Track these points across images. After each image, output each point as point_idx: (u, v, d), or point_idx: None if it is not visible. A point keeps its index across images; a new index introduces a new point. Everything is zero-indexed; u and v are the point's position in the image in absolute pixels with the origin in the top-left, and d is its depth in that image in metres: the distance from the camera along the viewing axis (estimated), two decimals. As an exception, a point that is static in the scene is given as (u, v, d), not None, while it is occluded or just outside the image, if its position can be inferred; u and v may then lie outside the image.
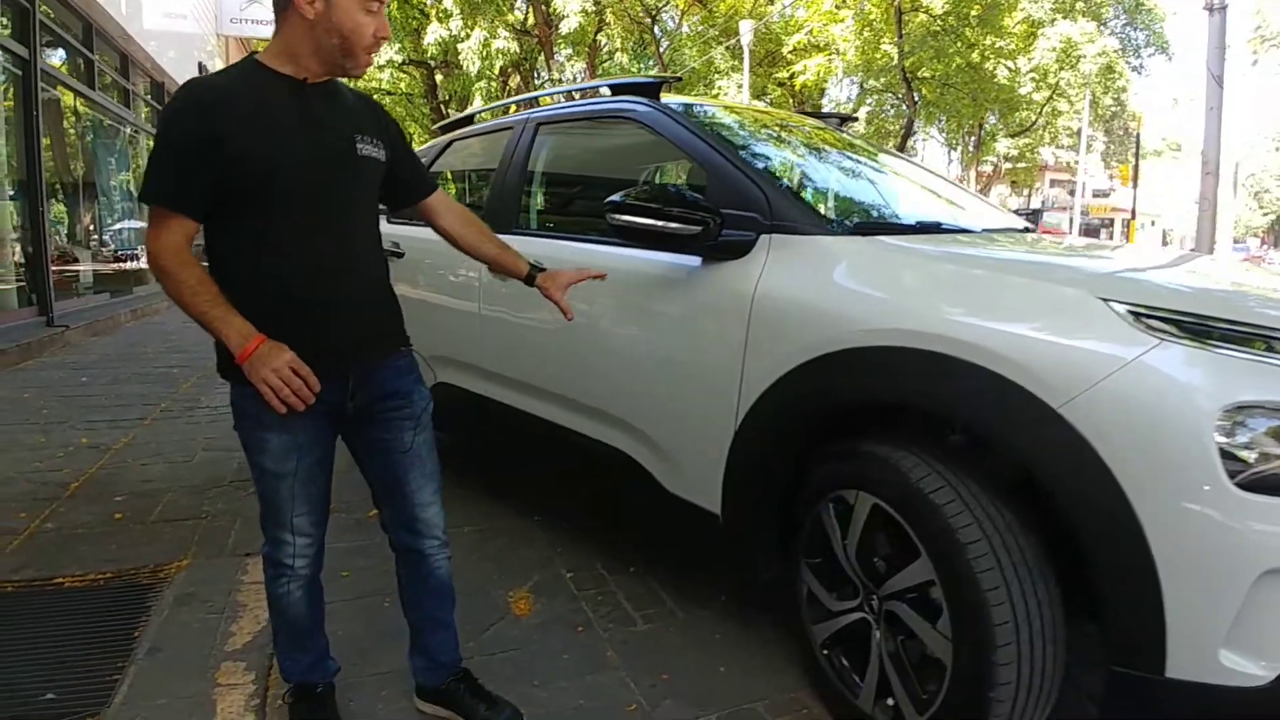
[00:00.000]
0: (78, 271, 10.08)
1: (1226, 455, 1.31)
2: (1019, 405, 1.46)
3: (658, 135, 2.36)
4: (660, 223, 1.93)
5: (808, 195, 2.23)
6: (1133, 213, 30.58)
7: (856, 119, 3.60)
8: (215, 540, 2.87)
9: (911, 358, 1.59)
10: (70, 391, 5.60)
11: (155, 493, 3.39)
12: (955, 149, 33.15)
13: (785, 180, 2.22)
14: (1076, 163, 34.28)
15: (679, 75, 3.55)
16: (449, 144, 3.40)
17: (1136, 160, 29.00)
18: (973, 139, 28.09)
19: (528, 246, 2.47)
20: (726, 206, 1.98)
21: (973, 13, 18.13)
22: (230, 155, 1.44)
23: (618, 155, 2.77)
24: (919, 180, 2.86)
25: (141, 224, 12.64)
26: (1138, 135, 26.42)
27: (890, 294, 1.70)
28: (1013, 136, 25.26)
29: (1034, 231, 2.52)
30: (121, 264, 11.83)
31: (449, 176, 3.60)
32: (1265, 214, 65.90)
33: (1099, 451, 1.38)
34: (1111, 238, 50.01)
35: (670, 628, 2.31)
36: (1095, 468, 1.39)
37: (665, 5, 24.18)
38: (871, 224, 2.08)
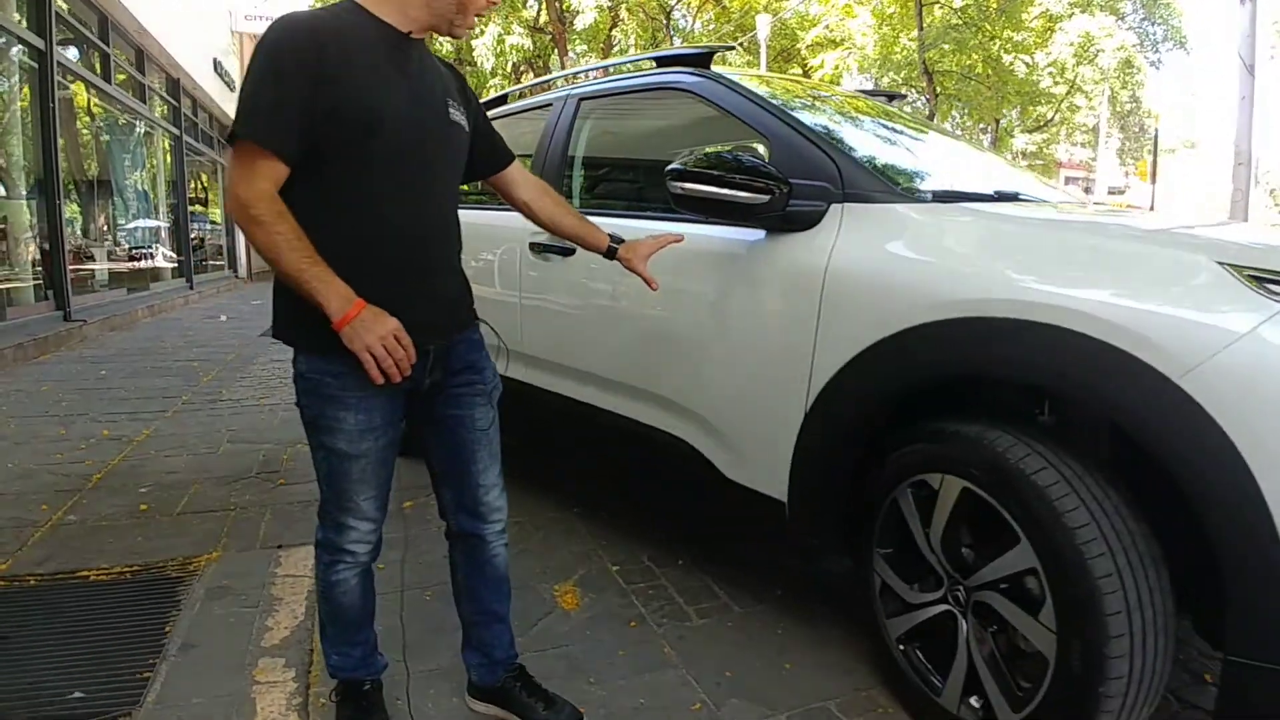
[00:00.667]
0: (94, 268, 10.03)
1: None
2: (1135, 378, 1.34)
3: (712, 106, 2.24)
4: (724, 190, 1.80)
5: (880, 164, 2.09)
6: (1151, 206, 30.29)
7: (905, 96, 3.47)
8: (246, 533, 2.76)
9: (1016, 329, 1.46)
10: (89, 384, 5.53)
11: (181, 484, 3.29)
12: (971, 129, 32.93)
13: (855, 149, 2.09)
14: (1092, 159, 33.96)
15: (731, 45, 3.43)
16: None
17: (1155, 156, 28.66)
18: (988, 135, 27.81)
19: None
20: (793, 174, 1.85)
21: (992, 5, 17.91)
22: (339, 97, 1.32)
23: (666, 129, 2.64)
24: (978, 155, 2.73)
25: (156, 223, 12.65)
26: (1156, 132, 26.04)
27: (988, 262, 1.57)
28: (1029, 132, 25.00)
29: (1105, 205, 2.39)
30: (137, 262, 11.78)
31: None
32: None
33: (1221, 425, 1.26)
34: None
35: (728, 622, 2.19)
36: (1217, 442, 1.27)
37: (679, 2, 24.03)
38: (950, 193, 1.94)
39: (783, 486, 1.92)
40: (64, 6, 8.43)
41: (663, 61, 2.54)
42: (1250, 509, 1.25)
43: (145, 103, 11.98)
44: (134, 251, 11.77)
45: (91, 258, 10.05)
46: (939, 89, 19.18)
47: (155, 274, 12.36)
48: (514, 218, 2.43)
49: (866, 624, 1.91)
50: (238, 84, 18.05)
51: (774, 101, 2.19)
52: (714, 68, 2.43)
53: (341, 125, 1.34)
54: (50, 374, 5.90)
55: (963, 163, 2.56)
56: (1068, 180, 48.14)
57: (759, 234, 1.94)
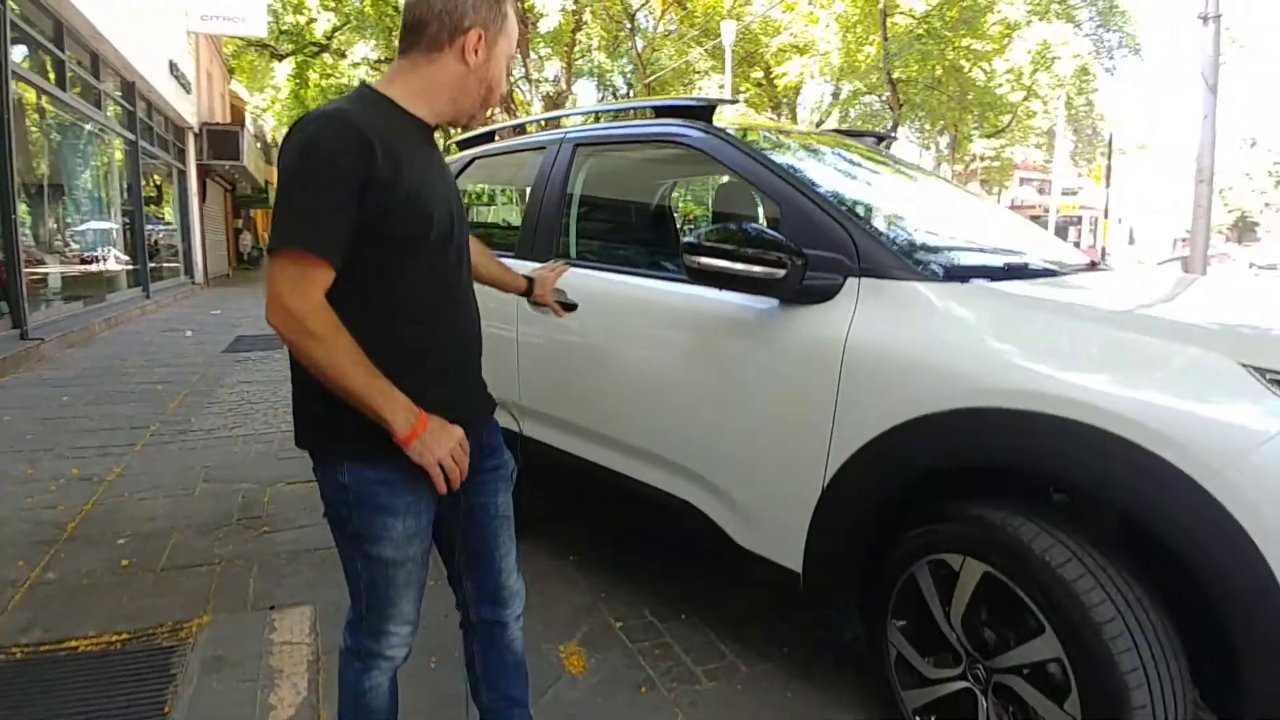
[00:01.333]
0: (49, 281, 9.71)
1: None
2: (1161, 479, 1.36)
3: (719, 163, 2.23)
4: (742, 266, 1.79)
5: (889, 232, 2.10)
6: (1105, 212, 31.04)
7: (895, 137, 3.50)
8: (234, 591, 2.69)
9: (1039, 422, 1.47)
10: (52, 413, 5.35)
11: (160, 533, 3.20)
12: (929, 149, 33.42)
13: (866, 216, 2.09)
14: (1047, 162, 34.70)
15: (735, 99, 3.41)
16: (471, 161, 3.23)
17: (1110, 160, 29.38)
18: (944, 138, 28.28)
19: (575, 280, 2.36)
20: (806, 245, 1.85)
21: (951, 15, 18.19)
22: (391, 201, 1.27)
23: (669, 182, 2.62)
24: (975, 207, 2.76)
25: (108, 224, 12.27)
26: (1110, 136, 26.71)
27: (1011, 351, 1.58)
28: (987, 137, 25.45)
29: (1107, 268, 2.42)
30: (92, 272, 11.41)
31: (473, 196, 3.44)
32: (1230, 210, 67.30)
33: (1246, 529, 1.30)
34: (1080, 235, 50.82)
35: (737, 684, 2.18)
36: (1241, 545, 1.30)
37: (644, 5, 24.00)
38: (963, 267, 1.96)
39: (798, 557, 1.92)
40: (14, 9, 8.13)
41: (662, 111, 2.52)
42: (1273, 611, 1.29)
43: (100, 108, 11.62)
44: (89, 262, 11.40)
45: (45, 270, 9.71)
46: (902, 98, 19.41)
47: (111, 284, 12.01)
48: (513, 264, 2.42)
49: (876, 685, 1.92)
50: (194, 85, 17.64)
51: (780, 161, 2.18)
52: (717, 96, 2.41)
53: (392, 229, 1.29)
54: (10, 400, 5.69)
55: (965, 219, 2.59)
56: (1022, 182, 49.20)
57: (772, 302, 1.93)
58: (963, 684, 1.71)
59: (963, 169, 32.00)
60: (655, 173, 2.68)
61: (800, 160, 2.37)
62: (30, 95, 9.16)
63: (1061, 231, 49.54)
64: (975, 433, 1.57)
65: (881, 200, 2.44)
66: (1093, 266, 2.39)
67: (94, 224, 11.80)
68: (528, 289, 2.01)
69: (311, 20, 22.31)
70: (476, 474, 1.50)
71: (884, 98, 20.02)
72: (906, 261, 1.81)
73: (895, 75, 18.20)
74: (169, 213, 17.03)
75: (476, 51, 1.35)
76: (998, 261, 2.06)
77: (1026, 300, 1.72)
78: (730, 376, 2.03)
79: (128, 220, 13.14)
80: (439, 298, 1.40)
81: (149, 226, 14.55)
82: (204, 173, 19.45)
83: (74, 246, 11.01)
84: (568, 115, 3.44)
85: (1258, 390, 1.35)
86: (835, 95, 25.53)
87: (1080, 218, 51.21)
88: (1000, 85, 21.47)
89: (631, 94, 33.52)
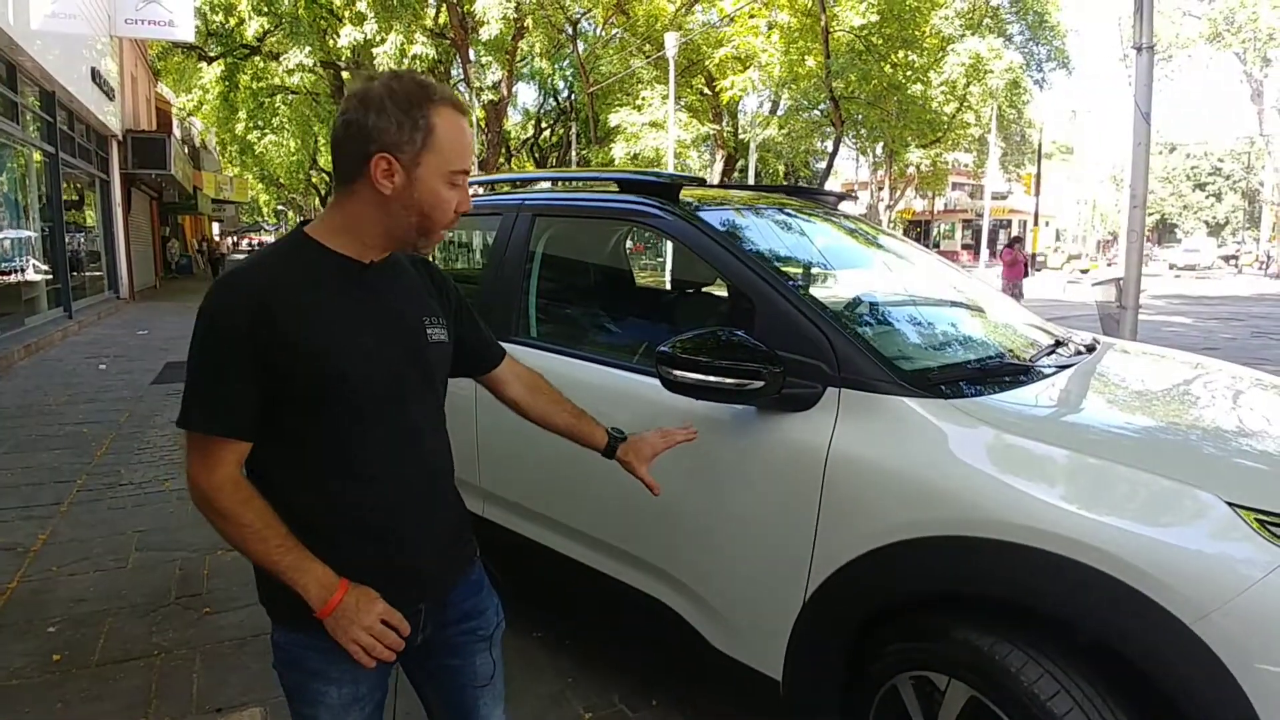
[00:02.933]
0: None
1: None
2: (1148, 619, 1.36)
3: (686, 246, 2.17)
4: (719, 379, 1.74)
5: (867, 331, 2.07)
6: (1035, 218, 32.13)
7: (854, 197, 3.50)
8: (177, 690, 2.53)
9: (1025, 555, 1.46)
10: (-33, 464, 5.02)
11: (93, 618, 3.00)
12: (866, 156, 34.09)
13: (843, 313, 2.06)
14: (978, 168, 35.68)
15: (700, 177, 3.37)
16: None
17: (1039, 168, 30.43)
18: (879, 145, 28.82)
19: (537, 361, 2.26)
20: (782, 348, 1.81)
21: (889, 30, 18.54)
22: (292, 361, 1.17)
23: (635, 258, 2.55)
24: (940, 277, 2.76)
25: (25, 233, 11.64)
26: (1039, 145, 27.68)
27: (1001, 480, 1.55)
28: (923, 147, 26.06)
29: (1074, 349, 2.42)
30: (6, 288, 10.78)
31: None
32: (1150, 213, 70.29)
33: (1229, 668, 1.30)
34: (1010, 237, 52.41)
35: (711, 784, 2.14)
36: (1225, 685, 1.31)
37: (586, 13, 23.90)
38: (942, 373, 1.93)
39: (778, 665, 1.88)
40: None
41: (626, 185, 2.45)
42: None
43: (16, 122, 11.04)
44: (6, 283, 10.79)
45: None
46: (844, 114, 19.72)
47: (31, 306, 11.42)
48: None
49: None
50: (117, 92, 16.90)
51: (750, 247, 2.14)
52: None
53: (301, 388, 1.20)
54: (-81, 450, 5.33)
55: (935, 298, 2.59)
56: (954, 186, 50.52)
57: (749, 407, 1.88)
58: (948, 801, 1.68)
59: (898, 174, 32.72)
60: (621, 249, 2.61)
61: (770, 243, 2.32)
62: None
63: (993, 234, 51.18)
64: (963, 562, 1.55)
65: (856, 287, 2.41)
66: (1057, 346, 2.39)
67: (10, 243, 11.18)
68: (607, 448, 1.66)
69: (242, 22, 21.61)
70: (449, 636, 1.41)
71: (825, 112, 20.27)
72: (888, 372, 1.78)
73: (837, 92, 18.46)
74: (92, 224, 16.28)
75: (392, 178, 1.20)
76: (982, 361, 2.05)
77: (1014, 421, 1.70)
78: (706, 479, 1.97)
79: (47, 237, 12.50)
80: (372, 454, 1.27)
81: (72, 240, 13.90)
82: (128, 182, 18.66)
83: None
84: (529, 179, 3.32)
85: (1245, 532, 1.35)
86: (774, 107, 25.83)
87: (1010, 221, 52.94)
88: (935, 99, 21.98)
89: (573, 98, 33.39)
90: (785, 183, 40.20)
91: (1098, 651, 1.47)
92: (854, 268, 2.64)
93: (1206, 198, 68.84)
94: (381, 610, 1.24)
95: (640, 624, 2.23)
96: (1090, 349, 2.47)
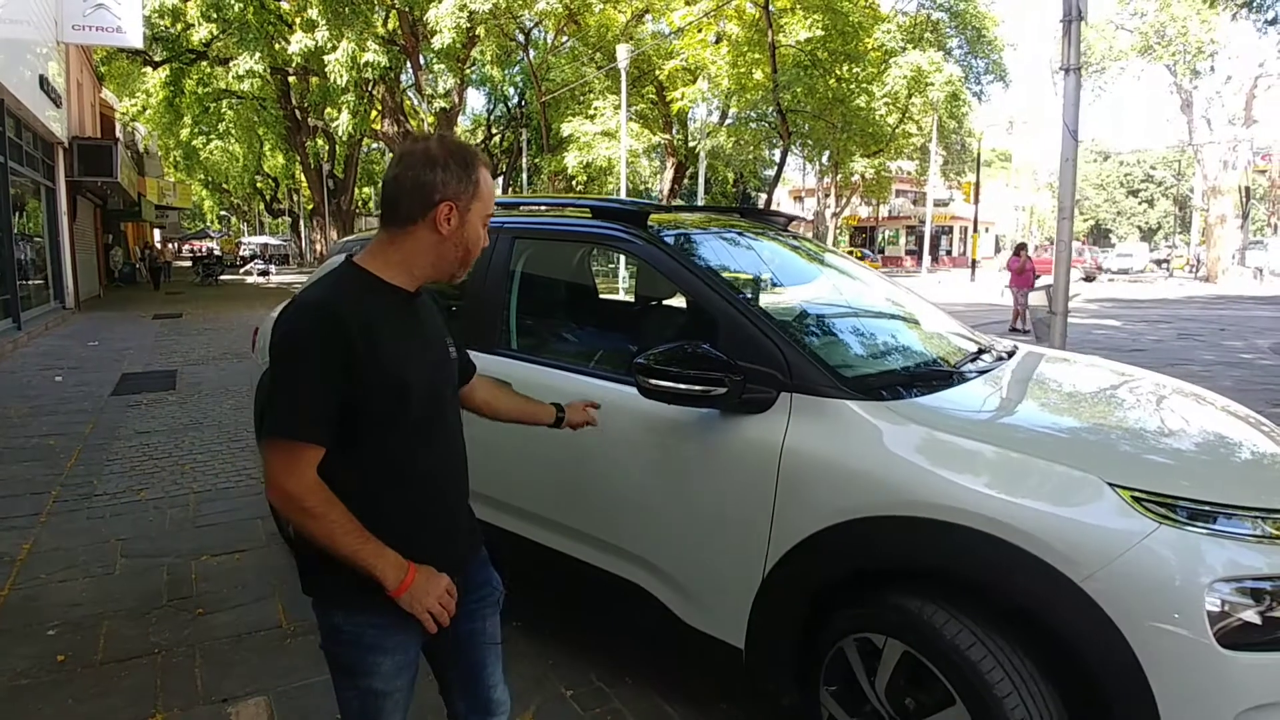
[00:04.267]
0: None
1: (1212, 619, 1.58)
2: (1045, 579, 1.67)
3: (658, 272, 2.44)
4: (688, 386, 2.02)
5: (814, 343, 2.37)
6: (974, 225, 33.21)
7: (802, 219, 3.81)
8: (181, 685, 2.70)
9: (947, 530, 1.76)
10: (-65, 479, 5.04)
11: (89, 621, 3.14)
12: (812, 164, 34.92)
13: (794, 327, 2.36)
14: (919, 175, 36.80)
15: (661, 206, 3.61)
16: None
17: (978, 177, 31.51)
18: (826, 154, 29.65)
19: (518, 373, 2.52)
20: (742, 358, 2.09)
21: (834, 45, 19.14)
22: (371, 379, 1.39)
23: (609, 277, 2.80)
24: (879, 291, 3.07)
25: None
26: (978, 155, 28.72)
27: (923, 468, 1.87)
28: (867, 157, 26.85)
29: (995, 355, 2.76)
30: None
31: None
32: (1085, 219, 72.96)
33: (1113, 618, 1.62)
34: (951, 244, 53.96)
35: (683, 748, 2.40)
36: (1109, 631, 1.62)
37: (538, 23, 24.10)
38: (879, 379, 2.25)
39: (740, 635, 2.16)
40: None
41: (599, 212, 2.71)
42: (1135, 683, 1.60)
43: (-41, 130, 10.85)
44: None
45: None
46: (791, 128, 20.28)
47: (-25, 316, 11.21)
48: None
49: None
50: (64, 98, 16.56)
51: (711, 270, 2.42)
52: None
53: (374, 402, 1.41)
54: (-119, 465, 5.32)
55: (873, 310, 2.91)
56: (898, 194, 51.85)
57: (713, 410, 2.16)
58: (887, 745, 1.97)
59: (844, 182, 33.60)
60: (596, 269, 2.86)
61: (729, 262, 2.61)
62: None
63: (935, 240, 52.53)
64: (895, 536, 1.85)
65: (804, 302, 2.71)
66: (979, 354, 2.72)
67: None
68: (556, 420, 2.02)
69: (189, 28, 21.33)
70: (466, 604, 1.65)
71: (773, 123, 20.84)
72: (832, 379, 2.08)
73: (783, 104, 19.00)
74: (38, 234, 15.94)
75: (449, 221, 1.45)
76: (914, 367, 2.36)
77: (937, 419, 2.01)
78: (677, 475, 2.24)
79: (-8, 248, 12.28)
80: (425, 455, 1.52)
81: (19, 250, 13.63)
82: (74, 189, 18.29)
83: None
84: (504, 203, 3.52)
85: (1123, 507, 1.67)
86: (722, 117, 26.34)
87: (952, 228, 54.46)
88: (879, 109, 22.69)
89: (524, 105, 33.53)
90: (734, 189, 40.96)
91: (1007, 608, 1.77)
92: (803, 284, 2.94)
93: (1140, 204, 71.77)
94: (445, 584, 1.49)
95: (617, 605, 2.48)
96: (1009, 355, 2.81)
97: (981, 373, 2.48)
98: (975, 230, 32.83)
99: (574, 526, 2.54)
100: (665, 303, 3.47)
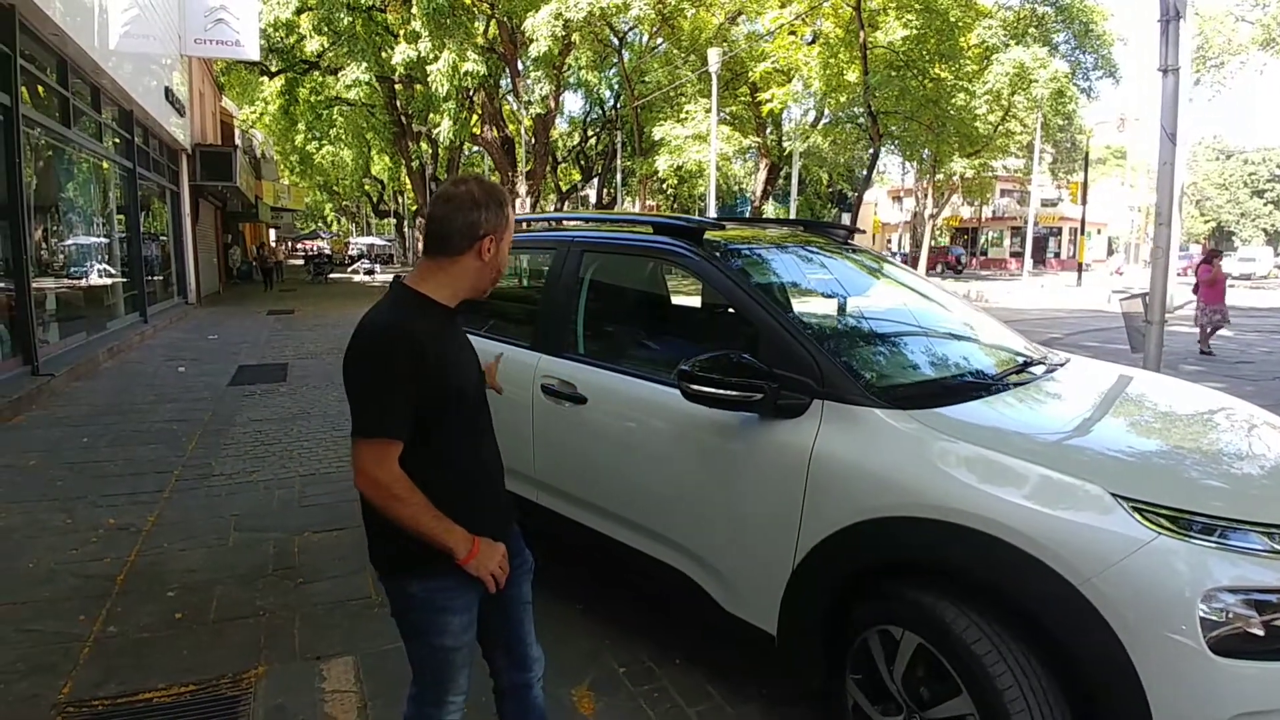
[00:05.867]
0: (55, 311, 9.97)
1: (1205, 626, 1.67)
2: (1048, 582, 1.78)
3: (705, 282, 2.64)
4: (728, 393, 2.21)
5: (848, 355, 2.52)
6: (1081, 226, 31.81)
7: (862, 230, 3.92)
8: (282, 642, 3.06)
9: (956, 532, 1.89)
10: (75, 456, 5.68)
11: (204, 585, 3.55)
12: (912, 162, 34.15)
13: (830, 339, 2.52)
14: (1025, 173, 35.43)
15: (718, 221, 3.73)
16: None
17: (1085, 176, 30.17)
18: (926, 150, 29.01)
19: (586, 375, 2.77)
20: (779, 366, 2.27)
21: (931, 44, 18.75)
22: (437, 385, 1.67)
23: (666, 288, 3.03)
24: (926, 303, 3.17)
25: (107, 253, 12.53)
26: (1086, 154, 27.49)
27: (936, 473, 2.01)
28: (966, 157, 26.11)
29: (1043, 367, 2.84)
30: (90, 295, 11.61)
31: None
32: (1206, 221, 68.69)
33: (1109, 621, 1.73)
34: (1060, 246, 51.70)
35: (723, 725, 2.58)
36: (1105, 633, 1.73)
37: (632, 28, 24.48)
38: (909, 389, 2.40)
39: (773, 623, 2.33)
40: (26, 53, 8.43)
41: (659, 228, 2.93)
42: (1128, 684, 1.70)
43: (101, 140, 11.94)
44: (90, 291, 11.66)
45: (51, 303, 9.99)
46: (882, 129, 19.98)
47: (111, 311, 12.30)
48: (526, 355, 2.84)
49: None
50: (187, 108, 17.90)
51: (759, 282, 2.60)
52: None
53: (440, 404, 1.70)
54: (32, 443, 6.02)
55: (918, 324, 3.02)
56: (1003, 193, 50.04)
57: (753, 414, 2.34)
58: (905, 730, 2.11)
59: (944, 180, 32.71)
60: (654, 282, 3.08)
61: (775, 277, 2.78)
62: (43, 136, 9.47)
63: (1041, 242, 50.38)
64: (914, 535, 1.99)
65: (844, 316, 2.86)
66: (1032, 367, 2.80)
67: (94, 253, 12.06)
68: None
69: (302, 39, 22.65)
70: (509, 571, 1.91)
71: (864, 125, 20.60)
72: (860, 387, 2.23)
73: (875, 108, 18.75)
74: (164, 234, 17.29)
75: (490, 250, 1.75)
76: (947, 378, 2.49)
77: (959, 428, 2.13)
78: (719, 471, 2.43)
79: (126, 247, 13.43)
80: (476, 446, 1.83)
81: (146, 249, 14.85)
82: (196, 193, 19.73)
83: (76, 277, 11.28)
84: (572, 219, 3.81)
85: (1124, 517, 1.77)
86: (817, 118, 26.10)
87: (1060, 229, 52.18)
88: (979, 108, 22.05)
89: (619, 108, 34.06)
90: (828, 190, 40.44)
91: (1012, 607, 1.89)
92: (853, 295, 3.07)
93: (1265, 205, 67.02)
94: (502, 550, 1.79)
95: (665, 590, 2.69)
96: (1058, 366, 2.87)
97: (1019, 385, 2.57)
98: (1083, 232, 31.42)
99: (628, 516, 2.76)
100: (727, 310, 3.65)
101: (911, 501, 2.00)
